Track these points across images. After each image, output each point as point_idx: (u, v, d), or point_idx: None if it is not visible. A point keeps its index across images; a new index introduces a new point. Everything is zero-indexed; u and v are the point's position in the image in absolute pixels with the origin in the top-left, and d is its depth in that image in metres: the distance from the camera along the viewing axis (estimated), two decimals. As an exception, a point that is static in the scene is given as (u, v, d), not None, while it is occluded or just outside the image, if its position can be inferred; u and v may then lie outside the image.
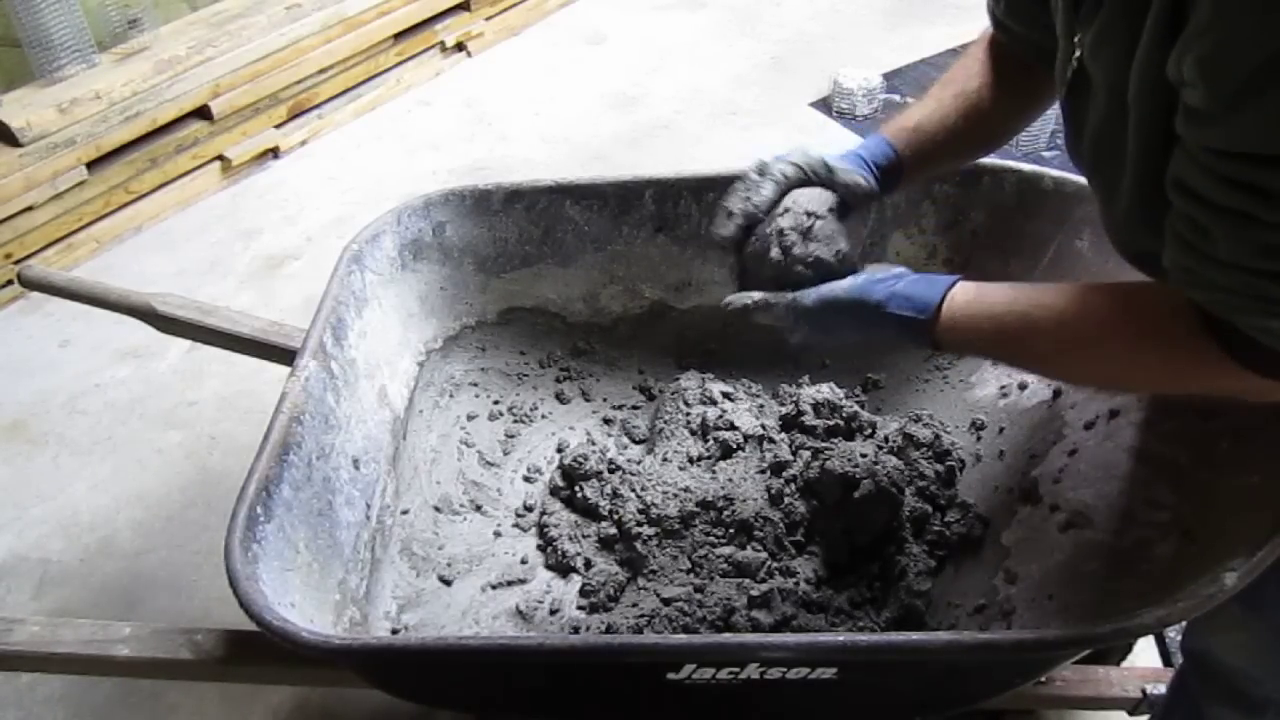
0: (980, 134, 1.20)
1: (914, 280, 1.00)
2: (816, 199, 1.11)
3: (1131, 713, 1.36)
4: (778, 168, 1.14)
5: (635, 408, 1.74)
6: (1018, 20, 1.08)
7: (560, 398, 1.75)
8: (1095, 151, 0.90)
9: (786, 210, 1.10)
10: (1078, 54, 0.87)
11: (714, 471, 1.55)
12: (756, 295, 1.07)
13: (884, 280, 1.01)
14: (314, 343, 1.37)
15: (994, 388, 1.56)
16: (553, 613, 1.44)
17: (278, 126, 3.19)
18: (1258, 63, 0.63)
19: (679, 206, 1.63)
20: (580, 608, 1.44)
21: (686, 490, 1.50)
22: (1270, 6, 0.62)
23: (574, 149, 3.17)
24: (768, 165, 1.15)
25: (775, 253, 1.07)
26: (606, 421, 1.72)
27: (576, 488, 1.56)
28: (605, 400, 1.75)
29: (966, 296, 0.97)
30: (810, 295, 1.03)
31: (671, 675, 1.03)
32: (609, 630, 1.38)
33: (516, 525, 1.58)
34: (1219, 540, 0.98)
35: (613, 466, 1.58)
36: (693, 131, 3.21)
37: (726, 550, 1.43)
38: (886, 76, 3.32)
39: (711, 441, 1.58)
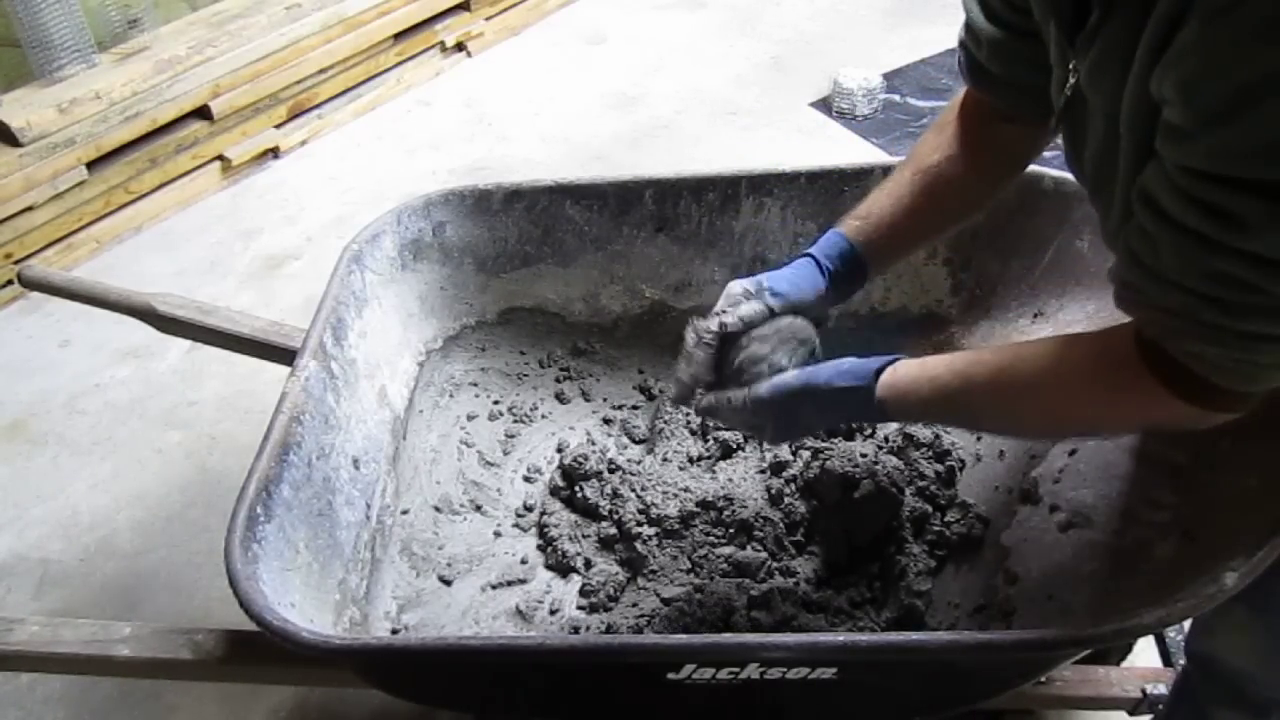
0: (947, 206, 1.18)
1: (854, 360, 1.06)
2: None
3: (1131, 713, 1.36)
4: (706, 335, 1.15)
5: (635, 408, 1.74)
6: (1002, 63, 1.06)
7: (560, 398, 1.75)
8: (1097, 174, 0.91)
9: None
10: (1073, 80, 0.88)
11: (714, 471, 1.55)
12: (717, 395, 1.12)
13: (827, 365, 1.07)
14: (314, 343, 1.37)
15: (994, 388, 1.56)
16: (553, 613, 1.44)
17: (278, 126, 3.19)
18: (1236, 88, 0.65)
19: (679, 206, 1.63)
20: (580, 608, 1.44)
21: (686, 490, 1.50)
22: (1252, 35, 0.63)
23: (574, 149, 3.17)
24: (699, 333, 1.15)
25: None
26: (606, 421, 1.72)
27: (576, 488, 1.56)
28: (605, 400, 1.75)
29: (908, 366, 1.02)
30: (763, 387, 1.08)
31: (671, 675, 1.03)
32: (609, 630, 1.38)
33: (516, 525, 1.58)
34: (1219, 540, 0.98)
35: (613, 466, 1.58)
36: (693, 131, 3.21)
37: (726, 550, 1.43)
38: (886, 76, 3.32)
39: (711, 441, 1.58)
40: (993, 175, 1.18)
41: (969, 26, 1.07)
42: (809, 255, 1.18)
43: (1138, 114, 0.77)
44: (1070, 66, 0.89)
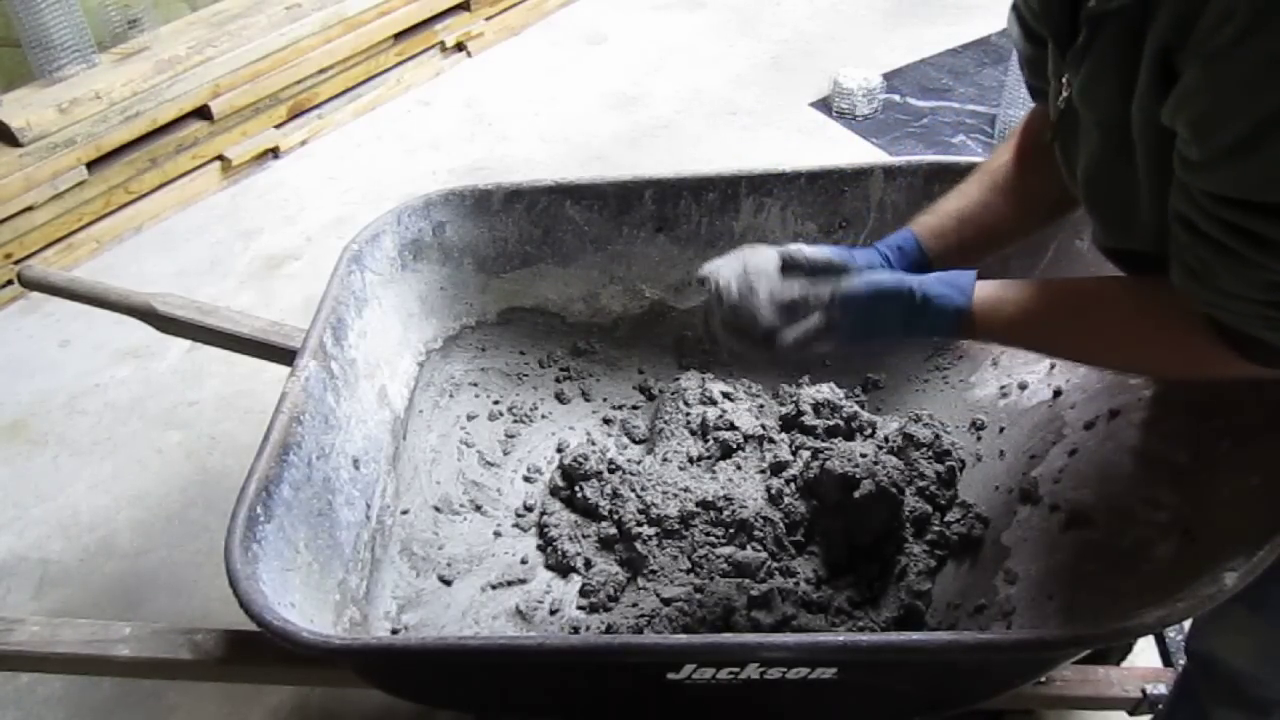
0: (1011, 211, 1.16)
1: (939, 274, 1.02)
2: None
3: (1131, 713, 1.36)
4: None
5: (635, 408, 1.74)
6: (1040, 78, 1.06)
7: (560, 398, 1.75)
8: (1090, 185, 0.93)
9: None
10: (1065, 94, 0.90)
11: (714, 471, 1.55)
12: (801, 282, 1.02)
13: (913, 275, 1.02)
14: (314, 343, 1.37)
15: (994, 388, 1.56)
16: (553, 613, 1.44)
17: (278, 126, 3.19)
18: (1251, 124, 0.67)
19: (679, 206, 1.63)
20: (580, 608, 1.44)
21: (686, 490, 1.50)
22: (1258, 73, 0.64)
23: (574, 149, 3.17)
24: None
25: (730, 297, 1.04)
26: (606, 421, 1.73)
27: (576, 488, 1.56)
28: (605, 400, 1.75)
29: (988, 286, 1.00)
30: (857, 282, 1.01)
31: (671, 675, 1.03)
32: (609, 630, 1.38)
33: (516, 525, 1.58)
34: (1219, 540, 0.98)
35: (613, 466, 1.58)
36: (693, 131, 3.21)
37: (726, 550, 1.43)
38: (886, 76, 3.32)
39: (711, 441, 1.58)
40: (1051, 182, 1.14)
41: (1012, 40, 1.08)
42: (873, 247, 1.15)
43: (1149, 130, 0.79)
44: (1064, 80, 0.90)
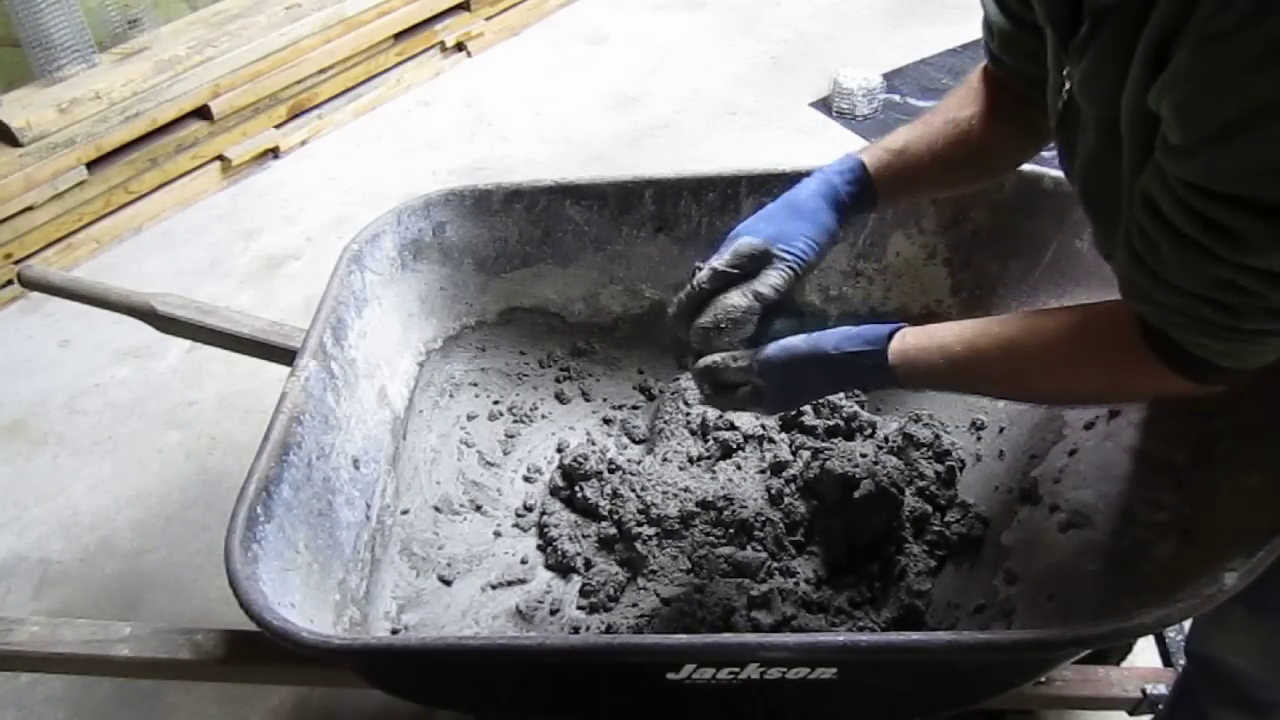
0: (971, 163, 1.17)
1: (861, 326, 1.05)
2: (734, 304, 1.11)
3: (1131, 713, 1.36)
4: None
5: (635, 408, 1.74)
6: (1011, 54, 1.07)
7: (560, 398, 1.75)
8: (1086, 182, 0.93)
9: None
10: (1068, 86, 0.89)
11: (714, 471, 1.55)
12: (721, 355, 1.09)
13: (834, 330, 1.06)
14: (314, 343, 1.37)
15: (994, 388, 1.56)
16: (553, 613, 1.44)
17: (278, 126, 3.19)
18: (1230, 115, 0.66)
19: (679, 206, 1.63)
20: (580, 608, 1.44)
21: (686, 490, 1.50)
22: (1244, 65, 0.64)
23: (574, 149, 3.17)
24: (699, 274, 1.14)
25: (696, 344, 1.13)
26: (606, 421, 1.73)
27: (576, 488, 1.56)
28: (605, 400, 1.75)
29: (916, 333, 1.02)
30: (770, 348, 1.07)
31: (671, 675, 1.03)
32: (609, 630, 1.38)
33: (516, 525, 1.58)
34: (1219, 540, 0.98)
35: (613, 466, 1.58)
36: (693, 131, 3.21)
37: (726, 550, 1.43)
38: (886, 76, 3.32)
39: (711, 441, 1.58)
40: (1016, 142, 1.16)
41: (984, 13, 1.08)
42: (826, 179, 1.14)
43: (1137, 122, 0.78)
44: (1065, 72, 0.89)
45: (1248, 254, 0.71)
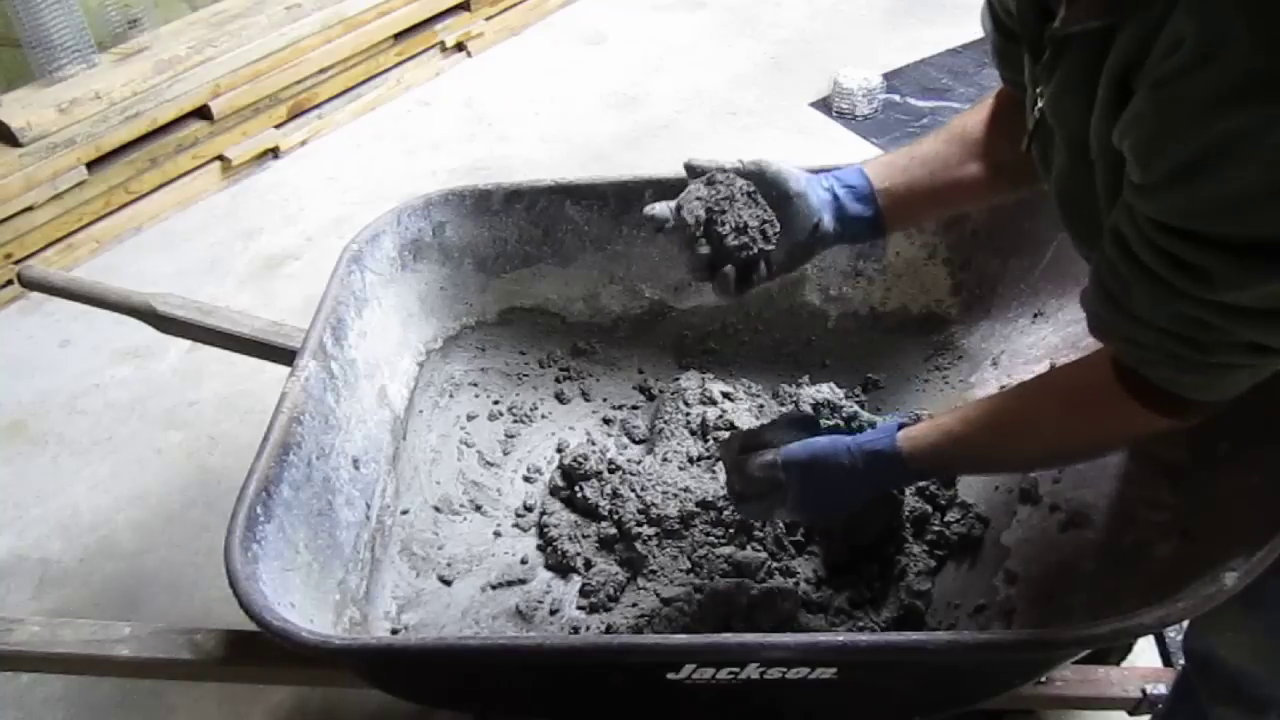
0: (975, 173, 1.16)
1: (868, 430, 1.13)
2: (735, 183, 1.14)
3: (1131, 713, 1.36)
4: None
5: (635, 408, 1.74)
6: (1007, 67, 1.08)
7: (560, 398, 1.75)
8: (1059, 197, 0.94)
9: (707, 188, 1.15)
10: (1040, 104, 0.90)
11: (714, 471, 1.55)
12: (750, 457, 1.16)
13: (842, 434, 1.13)
14: (314, 343, 1.37)
15: (994, 388, 1.56)
16: (553, 613, 1.44)
17: (278, 126, 3.19)
18: (1185, 157, 0.67)
19: (679, 206, 1.63)
20: (580, 608, 1.44)
21: (686, 490, 1.50)
22: (1194, 108, 0.65)
23: (574, 149, 3.17)
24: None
25: (699, 211, 1.13)
26: (606, 421, 1.72)
27: (576, 488, 1.56)
28: (605, 400, 1.75)
29: (919, 425, 1.08)
30: (794, 445, 1.13)
31: (671, 675, 1.03)
32: (609, 630, 1.38)
33: (516, 525, 1.58)
34: (1219, 540, 0.98)
35: (613, 466, 1.58)
36: (693, 131, 3.21)
37: (726, 550, 1.43)
38: (886, 76, 3.32)
39: (711, 441, 1.58)
40: (1015, 149, 1.15)
41: (985, 32, 1.09)
42: (825, 181, 1.16)
43: (1105, 152, 0.79)
44: (1038, 90, 0.91)
45: (1214, 289, 0.72)
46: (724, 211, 1.11)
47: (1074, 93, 0.82)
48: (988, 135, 1.14)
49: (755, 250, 1.10)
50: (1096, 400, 0.91)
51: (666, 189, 1.62)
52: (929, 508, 1.43)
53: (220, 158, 3.05)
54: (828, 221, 1.14)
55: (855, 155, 2.96)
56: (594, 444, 1.64)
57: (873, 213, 1.15)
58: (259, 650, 1.20)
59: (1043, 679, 1.29)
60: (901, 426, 1.09)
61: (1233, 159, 0.65)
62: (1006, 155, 1.10)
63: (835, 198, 1.15)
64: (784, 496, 1.14)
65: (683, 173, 1.61)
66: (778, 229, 1.11)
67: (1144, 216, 0.74)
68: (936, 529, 1.41)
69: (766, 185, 1.13)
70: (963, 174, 1.14)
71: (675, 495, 1.49)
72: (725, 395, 1.65)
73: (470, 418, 1.70)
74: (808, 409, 1.60)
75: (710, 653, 1.01)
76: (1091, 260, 0.95)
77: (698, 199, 1.13)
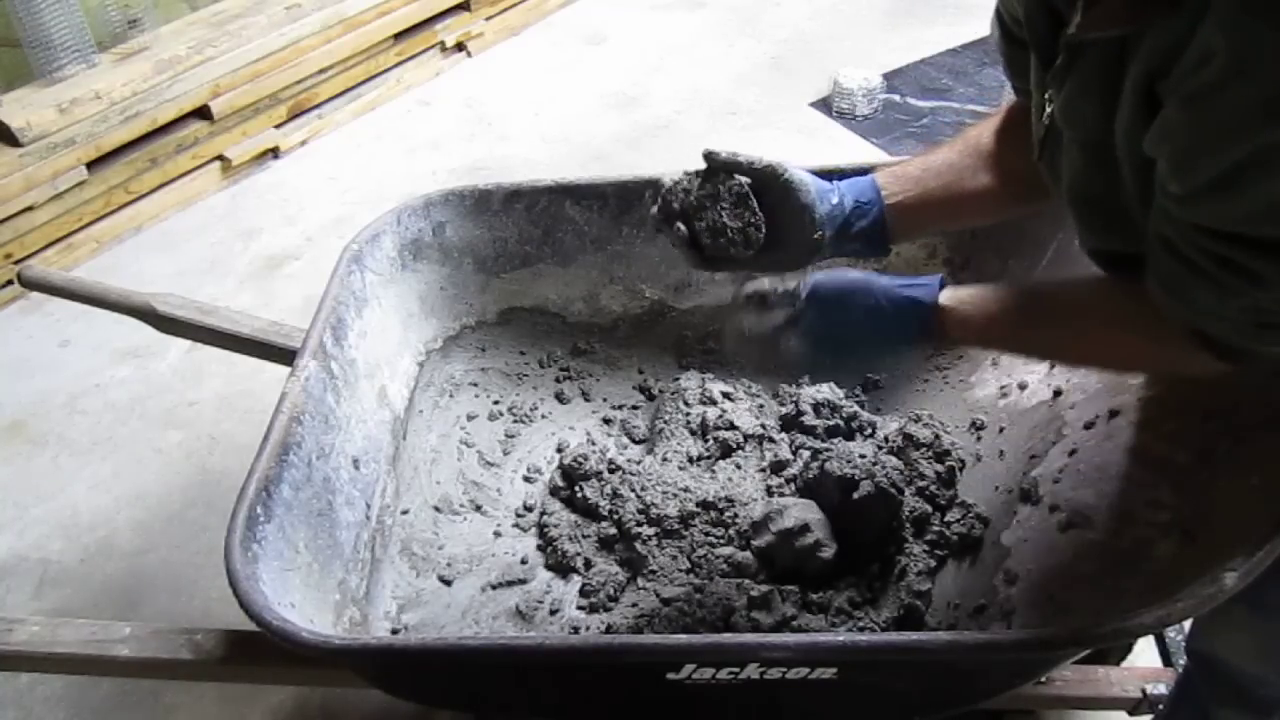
0: (984, 182, 1.14)
1: (908, 279, 1.05)
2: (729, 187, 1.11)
3: (1131, 713, 1.36)
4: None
5: (635, 408, 1.74)
6: (1016, 75, 1.07)
7: (560, 398, 1.75)
8: (1075, 200, 0.94)
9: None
10: (1049, 110, 0.90)
11: (714, 471, 1.55)
12: (770, 279, 1.06)
13: (882, 276, 1.05)
14: (314, 343, 1.37)
15: (994, 388, 1.56)
16: (553, 613, 1.44)
17: (278, 126, 3.19)
18: (1224, 167, 0.68)
19: (679, 206, 1.63)
20: (580, 608, 1.44)
21: (686, 490, 1.50)
22: (1230, 120, 0.66)
23: (574, 149, 3.17)
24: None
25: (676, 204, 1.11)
26: (606, 421, 1.72)
27: (576, 488, 1.56)
28: (605, 400, 1.75)
29: (959, 290, 1.02)
30: (824, 274, 1.04)
31: (671, 675, 1.03)
32: (609, 630, 1.38)
33: (516, 525, 1.58)
34: (1219, 540, 0.98)
35: (613, 466, 1.58)
36: (693, 131, 3.21)
37: (726, 550, 1.43)
38: (886, 76, 3.32)
39: (711, 441, 1.58)
40: (1027, 162, 1.13)
41: (993, 41, 1.09)
42: (833, 185, 1.14)
43: (1133, 156, 0.80)
44: (1046, 95, 0.91)
45: (1267, 288, 0.73)
46: (704, 209, 1.09)
47: (1091, 97, 0.82)
48: (999, 147, 1.13)
49: (731, 253, 1.08)
50: (1161, 332, 0.88)
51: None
52: (929, 508, 1.43)
53: (220, 158, 3.05)
54: (828, 237, 1.12)
55: (855, 155, 2.97)
56: (594, 444, 1.64)
57: (878, 230, 1.13)
58: (259, 650, 1.20)
59: (1043, 679, 1.29)
60: (943, 284, 1.04)
61: (1270, 169, 0.66)
62: (1017, 166, 1.09)
63: (843, 214, 1.12)
64: (794, 325, 1.07)
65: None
66: (763, 235, 1.09)
67: (1187, 223, 0.75)
68: (936, 529, 1.41)
69: (776, 191, 1.10)
70: (975, 186, 1.13)
71: (675, 495, 1.49)
72: (725, 395, 1.65)
73: (470, 418, 1.70)
74: (808, 409, 1.60)
75: (710, 653, 1.01)
76: (1099, 257, 0.96)
77: (684, 191, 1.11)
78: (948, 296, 1.02)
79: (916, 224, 1.16)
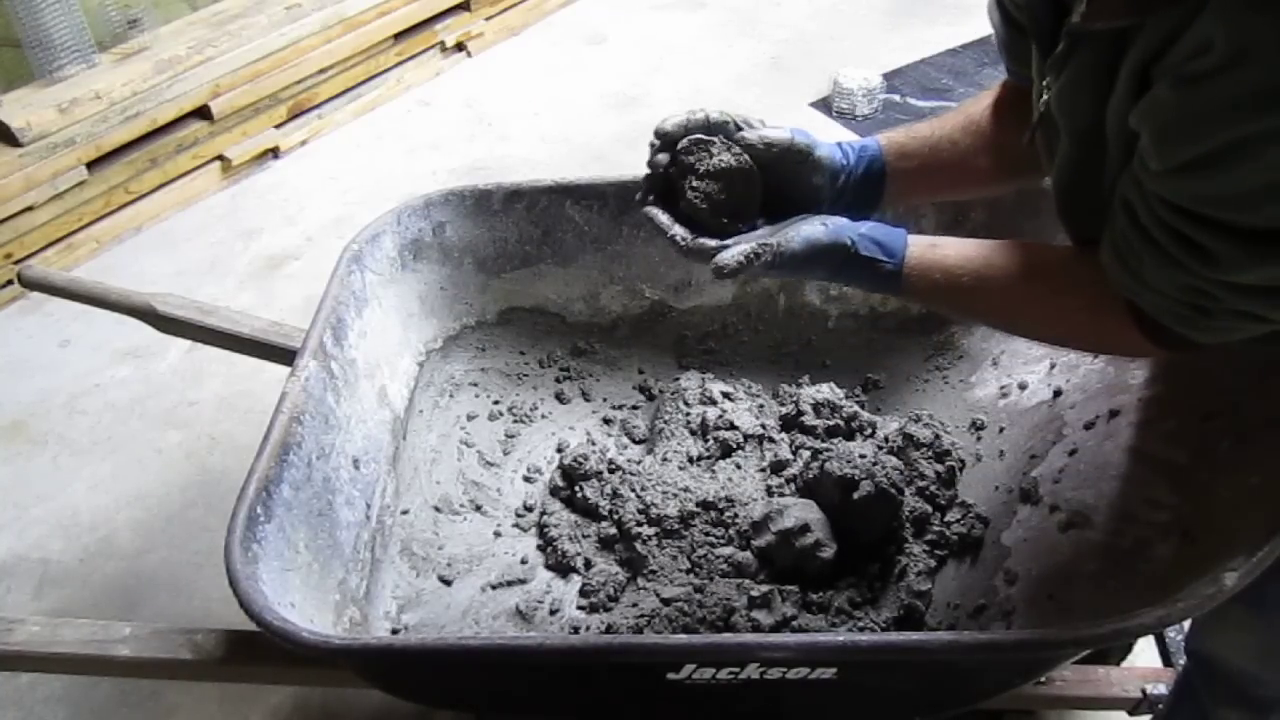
0: (981, 158, 1.15)
1: (874, 226, 1.03)
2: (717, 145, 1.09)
3: (1131, 713, 1.36)
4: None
5: (635, 408, 1.74)
6: (1014, 60, 1.08)
7: (560, 398, 1.75)
8: (1060, 189, 0.96)
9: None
10: (1045, 97, 0.92)
11: (714, 471, 1.55)
12: (745, 248, 1.02)
13: (846, 225, 1.03)
14: (314, 343, 1.37)
15: (994, 388, 1.56)
16: (553, 613, 1.44)
17: (278, 126, 3.18)
18: (1206, 149, 0.70)
19: (679, 206, 1.63)
20: (580, 608, 1.44)
21: (686, 490, 1.50)
22: (1221, 107, 0.68)
23: (574, 149, 3.17)
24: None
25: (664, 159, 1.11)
26: (606, 421, 1.72)
27: (576, 488, 1.56)
28: (605, 400, 1.75)
29: (921, 248, 1.02)
30: (795, 240, 1.02)
31: (671, 675, 1.03)
32: (609, 630, 1.38)
33: (516, 525, 1.58)
34: (1219, 540, 0.99)
35: (613, 466, 1.58)
36: (693, 131, 3.20)
37: (726, 550, 1.43)
38: (886, 76, 3.32)
39: (711, 441, 1.58)
40: (1020, 139, 1.14)
41: (992, 25, 1.09)
42: (836, 143, 1.15)
43: (1121, 137, 0.82)
44: (1045, 82, 0.92)
45: (1218, 270, 0.75)
46: (695, 171, 1.07)
47: (1087, 86, 0.84)
48: (993, 124, 1.15)
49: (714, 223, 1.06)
50: (1110, 315, 0.91)
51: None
52: (929, 508, 1.43)
53: (220, 158, 3.05)
54: (827, 194, 1.13)
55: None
56: (594, 444, 1.64)
57: (875, 196, 1.16)
58: (259, 650, 1.20)
59: (1043, 679, 1.29)
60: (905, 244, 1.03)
61: (1249, 158, 0.68)
62: (1009, 142, 1.10)
63: (849, 182, 1.13)
64: (765, 267, 1.04)
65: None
66: (756, 218, 1.08)
67: (1155, 195, 0.77)
68: (936, 529, 1.41)
69: (791, 156, 1.09)
70: (974, 164, 1.16)
71: (675, 495, 1.49)
72: (725, 395, 1.65)
73: (470, 418, 1.70)
74: (808, 409, 1.60)
75: (710, 653, 1.01)
76: (1081, 244, 0.98)
77: (682, 155, 1.10)
78: (913, 256, 1.01)
79: (911, 194, 1.20)
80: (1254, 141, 0.67)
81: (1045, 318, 1.01)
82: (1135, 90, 0.78)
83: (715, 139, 1.08)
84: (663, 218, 1.09)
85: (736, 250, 1.01)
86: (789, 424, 1.62)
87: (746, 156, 1.07)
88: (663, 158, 1.13)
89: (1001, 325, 1.19)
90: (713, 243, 1.05)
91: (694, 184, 1.07)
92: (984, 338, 1.61)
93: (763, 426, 1.59)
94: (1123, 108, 0.80)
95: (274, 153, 3.18)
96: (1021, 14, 0.98)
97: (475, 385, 1.73)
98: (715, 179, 1.06)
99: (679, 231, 1.08)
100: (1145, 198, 0.79)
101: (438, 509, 1.57)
